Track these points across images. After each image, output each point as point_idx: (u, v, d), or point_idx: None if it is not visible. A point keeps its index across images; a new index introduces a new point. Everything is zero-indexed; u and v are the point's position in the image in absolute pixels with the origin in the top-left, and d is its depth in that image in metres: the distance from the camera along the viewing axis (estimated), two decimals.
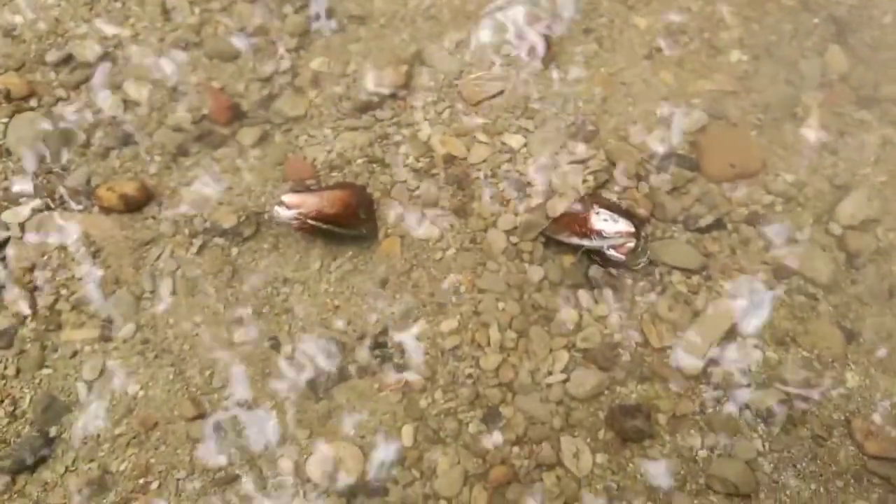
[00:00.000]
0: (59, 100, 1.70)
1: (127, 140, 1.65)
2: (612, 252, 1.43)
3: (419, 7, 1.90)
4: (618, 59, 1.81)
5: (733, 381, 1.40)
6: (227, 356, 1.44)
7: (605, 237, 1.44)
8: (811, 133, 1.73)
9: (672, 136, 1.69)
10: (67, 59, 1.74)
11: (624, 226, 1.44)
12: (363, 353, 1.43)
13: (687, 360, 1.40)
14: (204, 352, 1.44)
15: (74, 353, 1.45)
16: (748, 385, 1.39)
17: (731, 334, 1.45)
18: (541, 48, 1.80)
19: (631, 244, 1.43)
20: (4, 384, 1.42)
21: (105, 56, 1.76)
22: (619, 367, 1.42)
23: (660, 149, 1.66)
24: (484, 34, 1.84)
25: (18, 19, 1.81)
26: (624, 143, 1.66)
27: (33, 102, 1.68)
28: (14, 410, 1.40)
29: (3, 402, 1.41)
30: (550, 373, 1.41)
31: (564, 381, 1.40)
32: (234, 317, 1.47)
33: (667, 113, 1.73)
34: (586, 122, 1.69)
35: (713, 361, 1.42)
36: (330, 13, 1.88)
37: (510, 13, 1.88)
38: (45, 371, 1.43)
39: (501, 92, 1.74)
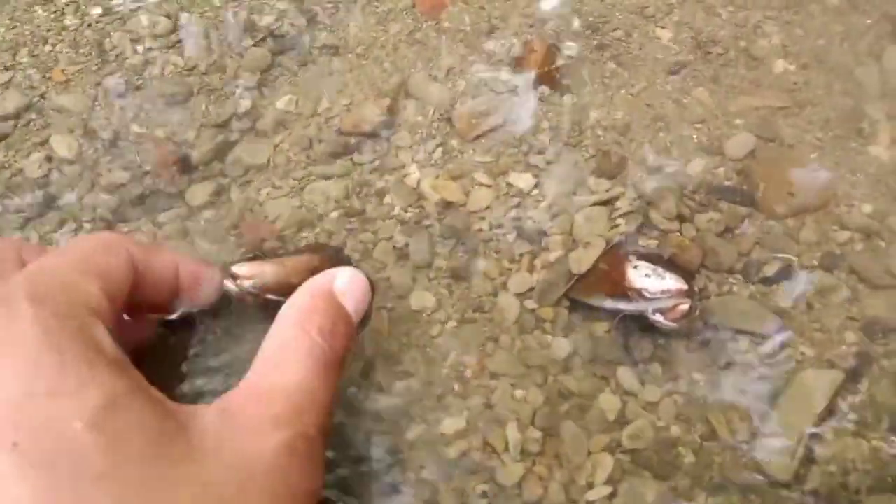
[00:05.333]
0: None
1: (50, 205, 1.36)
2: (658, 318, 1.10)
3: (402, 32, 1.61)
4: (640, 78, 1.51)
5: (834, 484, 1.06)
6: None
7: (650, 298, 1.12)
8: (883, 151, 1.42)
9: (716, 165, 1.38)
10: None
11: (673, 282, 1.11)
12: (341, 472, 1.09)
13: (773, 459, 1.06)
14: None
15: None
16: (857, 491, 1.04)
17: (826, 418, 1.11)
18: (539, 69, 1.51)
19: (684, 306, 1.10)
20: None
21: (28, 107, 1.48)
22: (681, 473, 1.08)
23: (703, 181, 1.35)
24: (478, 58, 1.55)
25: None
26: (658, 175, 1.35)
27: None
28: None
29: None
30: (591, 485, 1.07)
31: (611, 496, 1.05)
32: None
33: (706, 137, 1.42)
34: (609, 154, 1.38)
35: (808, 458, 1.07)
36: (297, 44, 1.60)
37: (507, 32, 1.59)
38: None
39: (503, 123, 1.44)
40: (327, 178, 1.38)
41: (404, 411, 1.12)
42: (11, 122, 1.47)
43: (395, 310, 1.22)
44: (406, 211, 1.33)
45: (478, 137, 1.42)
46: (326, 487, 1.06)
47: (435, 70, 1.54)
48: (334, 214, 1.33)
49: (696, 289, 1.14)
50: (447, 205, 1.33)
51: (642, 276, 1.12)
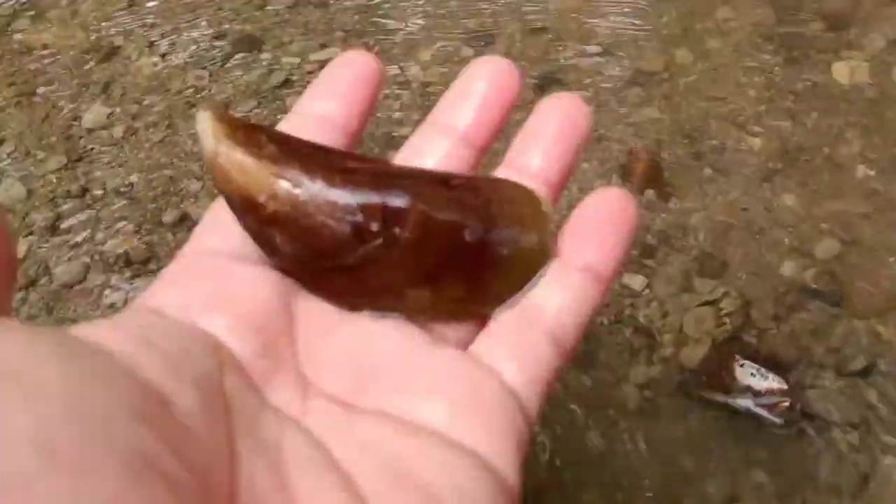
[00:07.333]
0: None
1: None
2: (763, 412, 1.32)
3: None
4: (735, 184, 1.73)
5: None
6: None
7: (756, 394, 1.33)
8: None
9: (806, 266, 1.58)
10: (183, 218, 1.77)
11: (776, 383, 1.33)
12: None
13: None
14: None
15: None
16: None
17: None
18: (648, 176, 1.74)
19: (785, 403, 1.31)
20: None
21: None
22: None
23: (795, 282, 1.55)
24: (588, 164, 1.79)
25: (134, 178, 1.86)
26: (755, 277, 1.56)
27: (153, 265, 1.70)
28: None
29: None
30: None
31: None
32: None
33: (796, 241, 1.63)
34: (713, 256, 1.60)
35: None
36: None
37: (611, 142, 1.83)
38: None
39: None
40: None
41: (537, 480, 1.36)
42: None
43: None
44: None
45: None
46: None
47: None
48: None
49: (793, 383, 1.35)
50: None
51: (748, 374, 1.34)
